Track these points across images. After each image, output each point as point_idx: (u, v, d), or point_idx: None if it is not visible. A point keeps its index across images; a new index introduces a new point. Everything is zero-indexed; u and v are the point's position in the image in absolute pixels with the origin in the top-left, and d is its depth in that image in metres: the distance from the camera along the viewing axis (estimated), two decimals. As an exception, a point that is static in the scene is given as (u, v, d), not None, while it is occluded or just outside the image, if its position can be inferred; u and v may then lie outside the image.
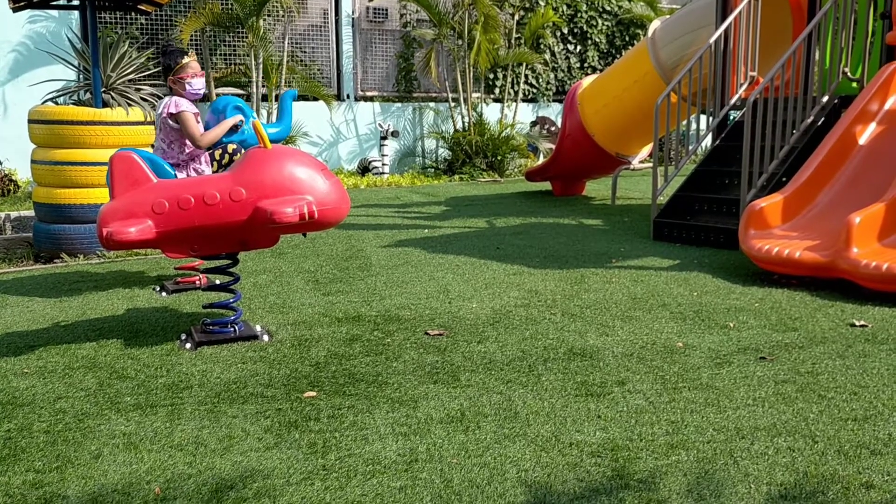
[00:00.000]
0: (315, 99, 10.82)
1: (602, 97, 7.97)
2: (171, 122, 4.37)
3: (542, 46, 12.65)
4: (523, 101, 12.52)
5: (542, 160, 11.51)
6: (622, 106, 7.78)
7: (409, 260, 5.51)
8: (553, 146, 11.26)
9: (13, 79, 9.05)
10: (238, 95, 9.84)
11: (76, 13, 8.88)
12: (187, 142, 4.41)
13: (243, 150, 4.56)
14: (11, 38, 8.98)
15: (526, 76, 12.46)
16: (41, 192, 5.71)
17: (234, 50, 10.40)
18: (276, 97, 9.80)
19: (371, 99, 11.63)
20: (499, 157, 10.96)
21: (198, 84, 4.42)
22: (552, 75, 12.98)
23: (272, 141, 5.58)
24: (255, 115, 4.98)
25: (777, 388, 3.04)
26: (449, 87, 11.34)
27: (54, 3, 6.24)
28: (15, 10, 6.04)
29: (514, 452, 2.51)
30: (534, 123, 12.34)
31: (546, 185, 9.26)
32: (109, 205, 3.30)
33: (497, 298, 4.45)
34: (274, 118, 9.54)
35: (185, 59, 4.39)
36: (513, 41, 11.69)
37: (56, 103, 6.12)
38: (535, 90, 12.91)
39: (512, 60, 11.38)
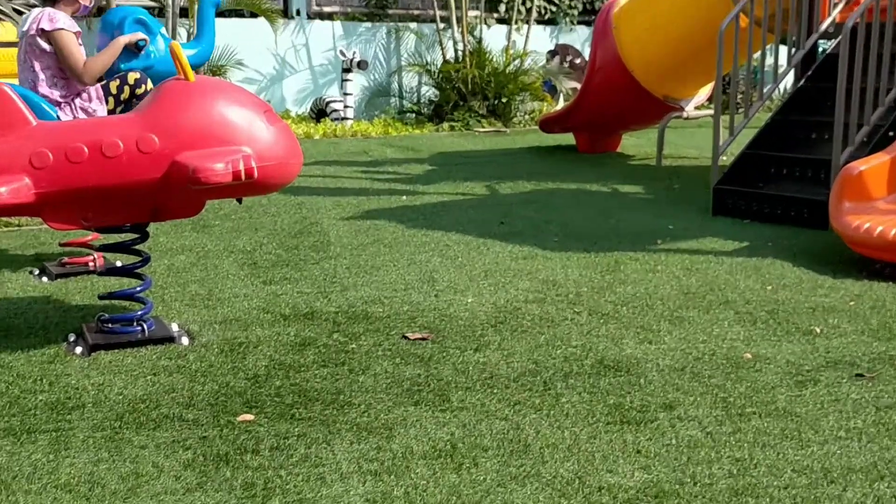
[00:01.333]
0: (253, 15, 10.75)
1: (646, 18, 7.96)
2: (42, 42, 4.33)
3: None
4: (538, 22, 12.48)
5: (561, 104, 11.50)
6: (673, 30, 7.78)
7: (382, 237, 5.51)
8: (577, 85, 11.24)
9: None
10: (147, 9, 9.75)
11: None
12: (56, 75, 4.38)
13: (149, 83, 4.52)
14: None
15: (542, -12, 12.42)
16: None
17: (143, -55, 10.29)
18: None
19: (330, 17, 11.57)
20: (504, 100, 10.95)
21: None
22: (578, -12, 12.94)
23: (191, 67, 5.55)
24: (165, 31, 4.95)
25: (878, 417, 3.07)
26: (437, 2, 11.29)
27: None
28: None
29: (523, 498, 2.52)
30: (552, 54, 12.32)
31: (568, 139, 9.27)
32: (-30, 156, 3.27)
33: (501, 291, 4.46)
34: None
35: None
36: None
37: None
38: (553, 7, 12.87)
39: (524, -33, 11.35)
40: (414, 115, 11.44)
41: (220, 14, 10.14)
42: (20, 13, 6.13)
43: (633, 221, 5.99)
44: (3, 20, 5.82)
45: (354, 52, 10.83)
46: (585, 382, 3.32)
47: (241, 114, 3.36)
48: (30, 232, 5.54)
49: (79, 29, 4.41)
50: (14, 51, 5.70)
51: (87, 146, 3.24)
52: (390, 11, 11.91)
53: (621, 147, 9.20)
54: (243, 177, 3.20)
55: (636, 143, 9.51)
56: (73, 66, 4.30)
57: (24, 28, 4.37)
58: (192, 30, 9.64)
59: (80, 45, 4.43)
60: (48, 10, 4.33)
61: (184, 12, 10.01)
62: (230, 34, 10.35)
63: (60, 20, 4.30)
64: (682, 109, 8.33)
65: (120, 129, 3.30)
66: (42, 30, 4.30)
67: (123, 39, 4.50)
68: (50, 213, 3.31)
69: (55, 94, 4.37)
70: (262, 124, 3.38)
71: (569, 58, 12.18)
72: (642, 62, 7.99)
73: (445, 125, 10.66)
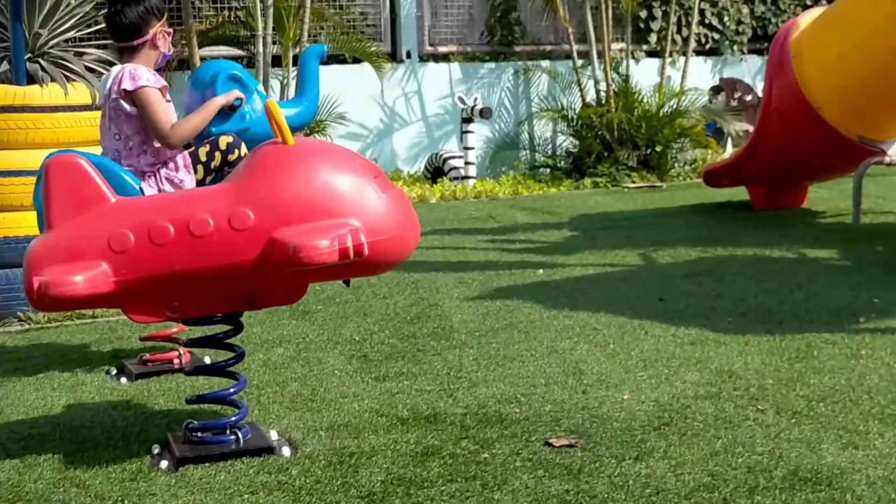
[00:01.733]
0: (356, 61, 11.06)
1: (834, 44, 7.86)
2: (126, 105, 4.49)
3: (725, -36, 12.61)
4: (697, 53, 12.46)
5: (730, 151, 11.39)
6: (870, 58, 7.65)
7: (515, 321, 5.52)
8: (749, 127, 11.13)
9: None
10: (234, 59, 10.15)
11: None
12: (147, 141, 4.57)
13: (244, 147, 4.67)
14: None
15: (701, 13, 12.42)
16: (-67, 220, 5.99)
17: (229, -14, 10.77)
18: (296, 59, 10.06)
19: (446, 58, 11.81)
20: (658, 148, 10.92)
21: (167, 46, 4.68)
22: (746, 10, 12.89)
23: (290, 128, 5.68)
24: (262, 88, 5.11)
25: None
26: (573, 34, 11.41)
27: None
28: None
29: None
30: (716, 90, 12.26)
31: (740, 193, 9.16)
32: (43, 239, 3.44)
33: (664, 385, 4.40)
34: (291, 93, 9.79)
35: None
36: (678, -45, 11.70)
37: (-46, 80, 6.46)
38: (717, 35, 12.84)
39: (677, -12, 11.38)
40: (549, 170, 11.50)
41: (318, 61, 10.49)
42: (92, 71, 6.46)
43: (827, 295, 5.85)
44: (74, 80, 6.13)
45: (476, 99, 11.00)
46: (776, 499, 3.24)
47: (348, 180, 3.44)
48: (106, 324, 5.77)
49: (165, 83, 4.60)
50: (87, 115, 6.02)
51: (172, 225, 3.36)
52: (517, 48, 12.09)
53: (808, 202, 9.03)
54: (352, 255, 3.27)
55: (826, 197, 9.33)
56: (158, 127, 4.47)
57: (106, 90, 4.57)
58: (285, 81, 9.98)
59: (168, 100, 4.62)
60: (129, 67, 4.52)
61: (276, 61, 10.38)
62: (331, 83, 10.64)
63: (143, 76, 4.48)
64: (883, 153, 8.14)
65: (209, 203, 3.41)
66: (125, 90, 4.48)
67: (219, 100, 4.63)
68: (131, 303, 3.43)
69: (142, 163, 4.55)
70: (373, 192, 3.46)
71: (737, 94, 12.09)
72: (830, 96, 7.87)
73: (587, 181, 10.68)
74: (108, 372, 4.90)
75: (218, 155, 4.63)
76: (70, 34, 6.54)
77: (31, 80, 6.01)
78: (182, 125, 4.52)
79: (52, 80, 6.02)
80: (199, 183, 4.59)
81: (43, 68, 6.11)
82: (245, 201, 3.37)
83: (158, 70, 4.72)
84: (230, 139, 4.63)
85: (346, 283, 3.87)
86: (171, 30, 4.66)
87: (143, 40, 4.59)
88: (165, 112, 4.50)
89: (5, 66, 6.24)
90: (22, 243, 5.75)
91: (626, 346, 5.00)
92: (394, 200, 3.50)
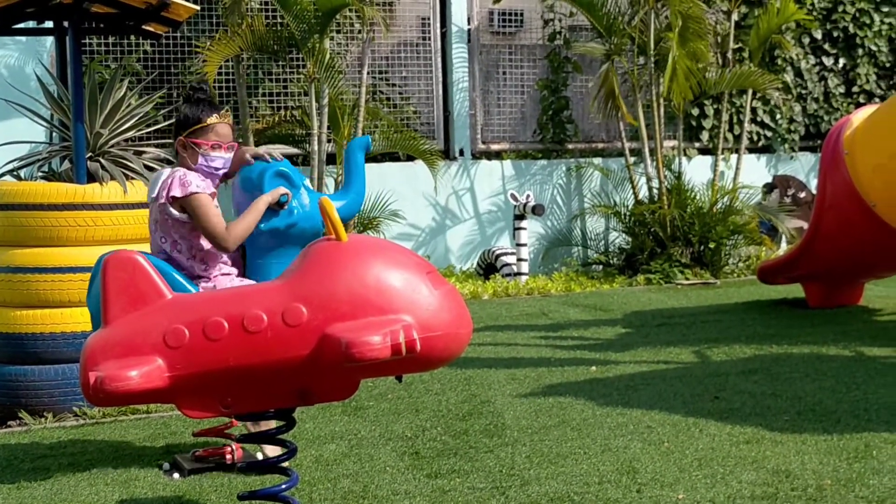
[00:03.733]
0: (409, 158, 11.20)
1: (888, 142, 7.84)
2: (174, 211, 4.50)
3: (779, 62, 12.68)
4: (750, 150, 12.48)
5: (784, 248, 11.32)
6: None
7: (568, 418, 5.50)
8: (804, 224, 11.09)
9: (-45, 143, 9.84)
10: (289, 157, 10.31)
11: (49, 40, 9.67)
12: (202, 240, 4.54)
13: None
14: (-47, 81, 9.84)
15: (753, 111, 12.46)
16: (-7, 315, 6.10)
17: (286, 87, 11.00)
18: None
19: (499, 155, 11.92)
20: (711, 245, 10.89)
21: (218, 160, 4.61)
22: (798, 108, 12.92)
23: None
24: (309, 184, 5.16)
25: None
26: (625, 132, 11.49)
27: (18, 26, 6.84)
28: None
29: None
30: (769, 187, 12.25)
31: (795, 290, 9.09)
32: (99, 334, 3.49)
33: (720, 485, 4.35)
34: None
35: (213, 118, 4.58)
36: (729, 56, 11.78)
37: (18, 177, 6.62)
38: (769, 133, 12.86)
39: (729, 87, 11.46)
40: (601, 266, 11.50)
41: (372, 158, 10.64)
42: (150, 169, 6.59)
43: (885, 394, 5.77)
44: (133, 178, 6.26)
45: (528, 196, 11.06)
46: None
47: (401, 277, 3.47)
48: (160, 420, 5.81)
49: (213, 189, 4.61)
50: (145, 212, 6.10)
51: (227, 320, 3.40)
52: (569, 145, 12.18)
53: (864, 299, 8.94)
54: (404, 351, 3.28)
55: (883, 294, 9.23)
56: (214, 233, 4.45)
57: (154, 195, 4.55)
58: (339, 178, 10.11)
59: (217, 206, 4.62)
60: (179, 172, 4.51)
61: (330, 159, 10.53)
62: (383, 181, 10.79)
63: (193, 183, 4.47)
64: (940, 250, 8.07)
65: (264, 299, 3.45)
66: (173, 198, 4.47)
67: (266, 199, 4.58)
68: (185, 398, 3.47)
69: (196, 268, 4.55)
70: (425, 288, 3.48)
71: (790, 191, 12.07)
72: (885, 194, 7.83)
73: (640, 278, 10.66)
74: (161, 467, 4.92)
75: None
76: (130, 133, 6.69)
77: (92, 178, 6.13)
78: (236, 227, 4.49)
79: (112, 178, 6.14)
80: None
81: (103, 167, 6.24)
82: (298, 297, 3.40)
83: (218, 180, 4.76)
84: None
85: (399, 378, 3.88)
86: (201, 140, 4.57)
87: (179, 143, 4.61)
88: (218, 216, 4.49)
89: (67, 164, 6.38)
90: (79, 338, 5.82)
91: (680, 444, 4.95)
92: (446, 297, 3.52)
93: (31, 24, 7.12)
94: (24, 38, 9.84)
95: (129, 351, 3.38)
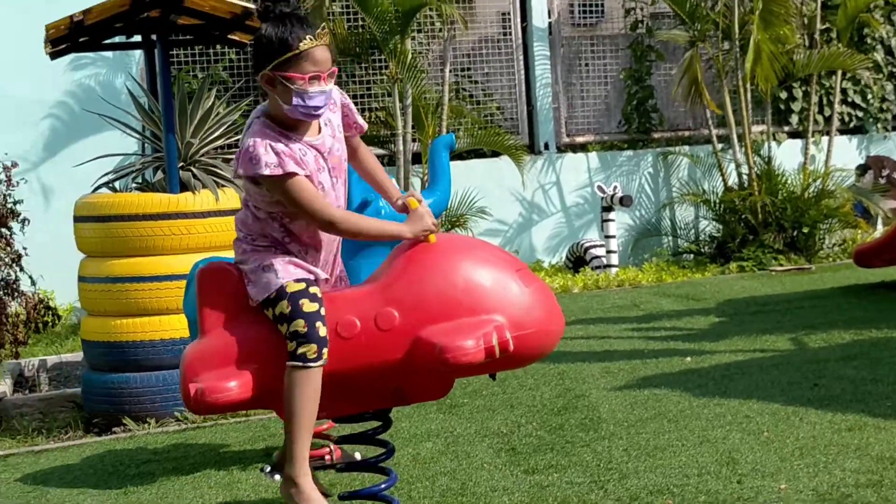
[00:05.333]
0: (494, 154, 11.20)
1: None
2: (247, 183, 3.61)
3: (868, 41, 12.41)
4: (841, 132, 12.24)
5: (880, 230, 11.10)
6: None
7: (664, 410, 5.46)
8: (900, 204, 10.89)
9: (50, 157, 10.12)
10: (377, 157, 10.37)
11: (137, 53, 9.86)
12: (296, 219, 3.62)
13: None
14: (46, 96, 10.10)
15: (843, 91, 12.22)
16: (93, 325, 6.24)
17: (369, 89, 11.07)
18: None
19: (584, 148, 11.87)
20: (804, 230, 10.72)
21: (318, 97, 3.55)
22: (889, 86, 12.63)
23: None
24: (397, 184, 5.16)
25: None
26: (712, 118, 11.36)
27: (108, 41, 6.99)
28: (53, 55, 6.81)
29: None
30: (862, 169, 12.01)
31: (892, 272, 8.91)
32: (197, 345, 3.55)
33: (822, 473, 4.29)
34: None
35: (307, 41, 3.51)
36: (817, 37, 11.58)
37: (113, 189, 6.76)
38: (860, 114, 12.61)
39: (817, 68, 11.26)
40: (692, 255, 11.38)
41: (457, 156, 10.66)
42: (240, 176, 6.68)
43: None
44: (224, 185, 6.36)
45: (615, 187, 10.99)
46: None
47: (491, 276, 3.48)
48: (259, 422, 5.89)
49: (293, 165, 3.55)
50: (219, 221, 6.21)
51: None
52: (655, 135, 12.07)
53: (967, 279, 8.74)
54: (497, 353, 3.29)
55: None
56: (315, 214, 3.55)
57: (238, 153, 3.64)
58: (424, 177, 10.15)
59: (319, 169, 3.66)
60: (248, 141, 3.56)
61: (416, 158, 10.58)
62: (469, 178, 10.79)
63: (261, 159, 3.49)
64: None
65: (356, 304, 3.48)
66: (248, 176, 3.55)
67: (406, 231, 3.67)
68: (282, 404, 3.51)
69: (271, 240, 3.67)
70: (516, 286, 3.48)
71: (885, 172, 11.82)
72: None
73: (733, 265, 10.53)
74: (262, 469, 4.95)
75: (284, 327, 3.51)
76: (219, 142, 6.79)
77: (184, 187, 6.24)
78: (357, 220, 3.70)
79: (204, 186, 6.25)
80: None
81: (195, 175, 6.35)
82: (390, 301, 3.42)
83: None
84: (304, 330, 3.46)
85: (493, 376, 3.89)
86: (294, 74, 3.51)
87: (264, 79, 3.59)
88: (316, 195, 3.54)
89: (160, 174, 6.51)
90: (178, 345, 5.93)
91: (780, 433, 4.89)
92: (537, 294, 3.52)
93: (120, 38, 7.29)
94: (111, 54, 10.04)
95: (227, 361, 3.43)
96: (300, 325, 3.41)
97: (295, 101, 3.50)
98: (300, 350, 3.41)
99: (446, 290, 3.42)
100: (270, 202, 3.56)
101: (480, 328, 3.32)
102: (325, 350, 3.43)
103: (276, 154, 3.47)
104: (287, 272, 3.54)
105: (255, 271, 3.56)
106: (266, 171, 3.44)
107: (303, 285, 3.51)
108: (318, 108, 3.55)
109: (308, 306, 3.45)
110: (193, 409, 3.43)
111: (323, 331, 3.43)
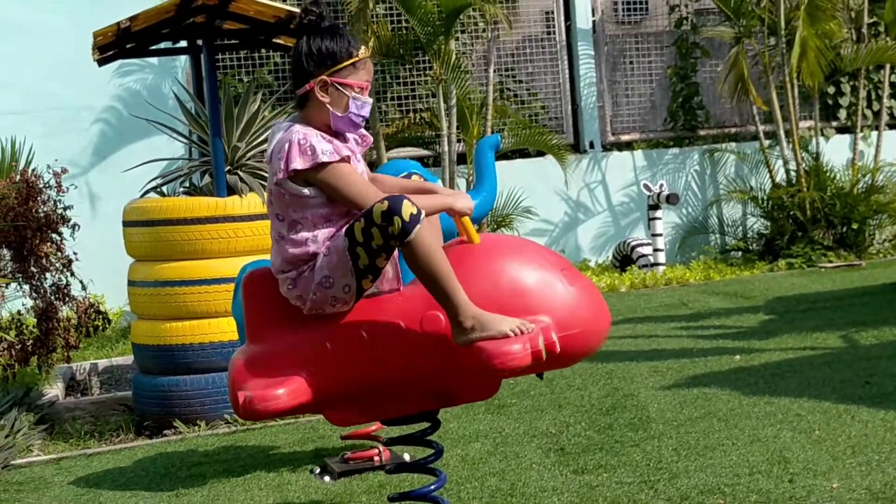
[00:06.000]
0: (539, 153, 11.19)
1: None
2: (295, 186, 3.46)
3: (917, 34, 12.28)
4: (890, 127, 12.11)
5: (933, 225, 10.98)
6: None
7: (714, 409, 5.43)
8: (952, 199, 10.75)
9: (98, 162, 10.24)
10: (420, 159, 10.41)
11: (183, 58, 9.95)
12: (324, 218, 3.51)
13: (406, 207, 4.24)
14: (94, 102, 10.22)
15: (892, 86, 12.09)
16: (143, 329, 6.30)
17: (413, 90, 11.09)
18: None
19: (629, 146, 11.82)
20: (854, 226, 10.62)
21: (367, 107, 3.60)
22: (939, 79, 12.50)
23: (472, 221, 5.69)
24: (442, 185, 5.16)
25: None
26: (758, 114, 11.28)
27: (154, 47, 7.06)
28: (101, 62, 6.90)
29: None
30: (913, 163, 11.90)
31: (945, 268, 8.82)
32: (244, 352, 3.56)
33: (876, 472, 4.26)
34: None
35: (363, 51, 3.58)
36: (864, 31, 11.46)
37: (162, 193, 6.83)
38: (908, 107, 12.49)
39: (865, 63, 11.16)
40: (740, 253, 11.31)
41: (502, 156, 10.66)
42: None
43: None
44: (253, 190, 6.39)
45: (661, 185, 10.94)
46: None
47: (536, 276, 3.46)
48: (308, 424, 5.92)
49: (348, 152, 3.55)
50: (266, 224, 6.25)
51: (366, 332, 3.44)
52: (702, 132, 12.00)
53: None
54: (544, 356, 3.27)
55: None
56: (358, 198, 3.45)
57: (268, 157, 3.58)
58: (470, 178, 10.16)
59: (360, 162, 3.66)
60: (296, 133, 3.48)
61: (461, 159, 10.59)
62: (514, 177, 10.78)
63: (318, 148, 3.45)
64: None
65: (401, 307, 3.48)
66: (295, 170, 3.44)
67: (449, 202, 3.69)
68: (331, 407, 3.53)
69: (304, 250, 3.52)
70: (561, 286, 3.46)
71: (935, 166, 11.69)
72: None
73: (781, 262, 10.45)
74: (311, 471, 5.02)
75: (376, 231, 3.35)
76: (265, 145, 6.83)
77: (231, 190, 6.29)
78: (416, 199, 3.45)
79: (251, 189, 6.29)
80: (367, 268, 3.41)
81: (242, 179, 6.40)
82: (435, 304, 3.42)
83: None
84: (384, 206, 3.33)
85: (540, 376, 3.88)
86: (353, 81, 3.55)
87: (301, 92, 3.57)
88: (366, 184, 3.51)
89: (207, 178, 6.56)
90: (227, 348, 5.98)
91: (832, 431, 4.85)
92: (583, 292, 3.50)
93: (166, 44, 7.36)
94: (156, 60, 10.16)
95: (274, 369, 3.44)
96: (377, 214, 3.31)
97: (352, 107, 3.53)
98: (393, 229, 3.30)
99: (491, 292, 3.40)
100: (319, 205, 3.47)
101: (527, 331, 3.30)
102: (412, 210, 3.30)
103: (330, 142, 3.47)
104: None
105: (320, 278, 3.44)
106: (325, 158, 3.41)
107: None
108: (365, 117, 3.59)
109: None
110: (243, 416, 3.45)
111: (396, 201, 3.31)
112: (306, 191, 3.45)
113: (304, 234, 3.47)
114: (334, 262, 3.41)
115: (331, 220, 3.49)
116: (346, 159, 3.47)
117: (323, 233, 3.48)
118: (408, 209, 3.30)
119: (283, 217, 3.50)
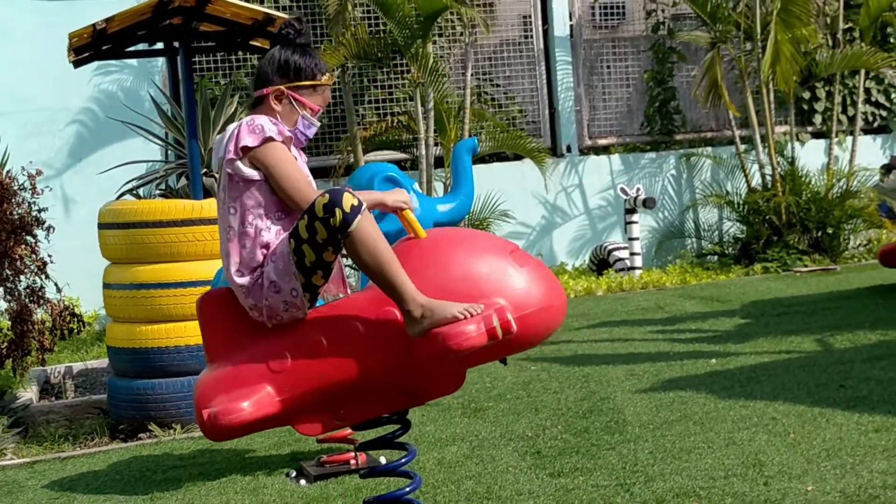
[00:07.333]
0: (517, 157, 11.20)
1: None
2: (243, 167, 3.46)
3: (891, 40, 12.35)
4: (865, 132, 12.19)
5: (906, 229, 11.04)
6: None
7: (689, 412, 5.45)
8: (926, 204, 10.79)
9: (74, 163, 10.18)
10: (397, 162, 10.40)
11: (160, 61, 9.92)
12: (275, 207, 3.51)
13: (347, 199, 4.09)
14: (70, 104, 10.16)
15: (867, 91, 12.17)
16: (118, 332, 6.27)
17: (391, 93, 11.09)
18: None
19: (606, 150, 11.85)
20: (829, 230, 10.67)
21: (312, 129, 3.68)
22: (913, 85, 12.58)
23: (446, 223, 5.65)
24: (419, 188, 5.15)
25: None
26: (734, 119, 11.33)
27: (131, 48, 7.03)
28: (77, 63, 6.87)
29: None
30: (887, 168, 11.91)
31: (919, 273, 8.87)
32: (207, 373, 3.54)
33: (850, 475, 4.28)
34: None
35: (326, 77, 3.66)
36: (840, 36, 11.53)
37: (137, 196, 6.81)
38: (884, 113, 12.55)
39: (840, 68, 11.22)
40: (716, 257, 11.35)
41: (480, 159, 10.67)
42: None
43: None
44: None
45: (638, 189, 10.97)
46: None
47: (485, 262, 3.45)
48: (283, 428, 5.90)
49: (289, 134, 3.55)
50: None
51: (324, 338, 3.43)
52: (678, 136, 12.05)
53: None
54: (500, 334, 3.27)
55: None
56: (294, 189, 3.46)
57: (220, 154, 3.52)
58: (447, 181, 10.16)
59: (299, 158, 3.64)
60: (245, 119, 3.52)
61: (438, 162, 10.59)
62: (491, 181, 10.79)
63: (265, 127, 3.46)
64: None
65: (356, 309, 3.47)
66: (245, 147, 3.43)
67: (388, 199, 3.75)
68: (299, 418, 3.49)
69: (253, 254, 3.51)
70: (511, 268, 3.46)
71: (910, 170, 11.76)
72: None
73: (757, 266, 10.50)
74: (287, 474, 5.01)
75: (319, 225, 3.33)
76: (242, 147, 6.82)
77: (207, 193, 6.28)
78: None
79: (227, 192, 6.27)
80: (314, 264, 3.40)
81: (218, 182, 6.37)
82: (389, 301, 3.42)
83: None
84: (325, 199, 3.31)
85: (504, 362, 3.86)
86: (309, 102, 3.61)
87: (257, 94, 3.60)
88: (302, 177, 3.50)
89: (183, 181, 6.55)
90: (202, 351, 5.94)
91: (807, 435, 4.87)
92: (534, 272, 3.49)
93: (143, 46, 7.33)
94: (135, 61, 10.11)
95: (237, 383, 3.42)
96: (318, 208, 3.32)
97: (300, 124, 3.60)
98: (335, 221, 3.30)
99: (442, 281, 3.39)
100: (269, 192, 3.47)
101: (480, 313, 3.30)
102: (353, 202, 3.32)
103: (276, 125, 3.49)
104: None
105: (268, 283, 3.44)
106: (272, 135, 3.42)
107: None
108: (309, 138, 3.66)
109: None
110: (210, 434, 3.41)
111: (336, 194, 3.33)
112: (256, 174, 3.44)
113: (257, 224, 3.47)
114: (280, 268, 3.42)
115: (281, 216, 3.49)
116: (287, 140, 3.50)
117: (275, 227, 3.48)
118: (349, 201, 3.32)
119: (236, 209, 3.49)
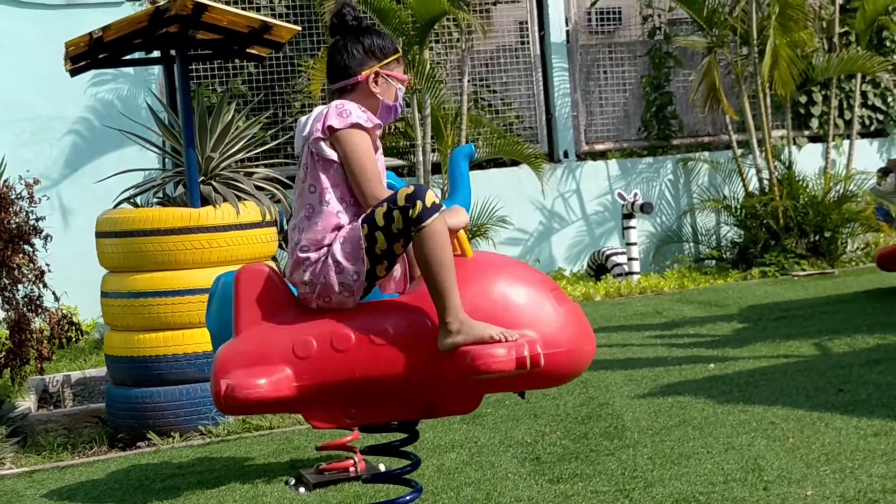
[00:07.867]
0: (514, 163, 11.21)
1: None
2: (325, 147, 3.55)
3: (887, 43, 12.37)
4: (862, 135, 12.22)
5: (903, 233, 11.07)
6: None
7: (688, 418, 5.45)
8: (923, 207, 10.83)
9: (71, 173, 10.18)
10: (395, 169, 10.41)
11: (157, 69, 9.93)
12: (346, 198, 3.58)
13: (430, 196, 4.17)
14: (67, 112, 10.17)
15: (863, 95, 12.20)
16: (116, 340, 6.27)
17: (388, 100, 11.06)
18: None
19: (603, 155, 11.86)
20: (827, 234, 10.69)
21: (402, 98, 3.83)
22: (910, 88, 12.62)
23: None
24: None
25: None
26: (731, 124, 11.35)
27: (127, 57, 7.03)
28: (73, 72, 6.87)
29: None
30: (884, 172, 11.97)
31: (916, 276, 8.88)
32: (231, 344, 3.56)
33: (849, 479, 4.28)
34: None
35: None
36: (836, 40, 11.55)
37: (135, 204, 6.80)
38: (880, 116, 12.57)
39: (837, 72, 11.24)
40: (714, 261, 11.36)
41: (477, 165, 10.68)
42: (260, 189, 6.72)
43: None
44: (244, 199, 6.38)
45: (636, 194, 10.98)
46: None
47: (526, 293, 3.48)
48: (283, 435, 5.91)
49: (378, 122, 3.65)
50: (257, 232, 6.25)
51: (353, 333, 3.45)
52: (675, 141, 12.06)
53: None
54: (528, 364, 3.28)
55: None
56: (365, 179, 3.53)
57: (305, 132, 3.62)
58: (444, 187, 10.16)
59: (378, 148, 3.69)
60: (335, 102, 3.62)
61: (436, 169, 10.60)
62: (489, 187, 10.81)
63: (353, 113, 3.55)
64: None
65: (391, 312, 3.49)
66: (331, 128, 3.54)
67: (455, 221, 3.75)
68: (311, 408, 3.52)
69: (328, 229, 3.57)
70: (549, 305, 3.49)
71: (907, 174, 11.79)
72: None
73: (755, 271, 10.51)
74: (286, 482, 5.01)
75: (397, 214, 3.39)
76: (239, 155, 6.83)
77: (205, 201, 6.27)
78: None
79: (225, 200, 6.28)
80: (384, 253, 3.45)
81: (215, 189, 6.38)
82: (425, 311, 3.44)
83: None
84: (410, 190, 3.40)
85: (521, 395, 3.89)
86: (399, 75, 3.75)
87: (352, 81, 3.70)
88: (376, 167, 3.56)
89: (180, 189, 6.55)
90: (201, 359, 5.96)
91: (806, 439, 4.88)
92: (570, 314, 3.52)
93: (139, 54, 7.33)
94: (132, 70, 10.11)
95: (258, 360, 3.44)
96: (401, 197, 3.38)
97: (399, 97, 3.74)
98: (413, 212, 3.36)
99: (481, 303, 3.42)
100: (344, 177, 3.55)
101: (511, 339, 3.32)
102: (434, 199, 3.39)
103: (366, 113, 3.59)
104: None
105: (332, 262, 3.49)
106: (360, 121, 3.53)
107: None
108: (399, 110, 3.80)
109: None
110: (223, 406, 3.43)
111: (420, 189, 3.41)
112: (335, 156, 3.53)
113: (334, 206, 3.53)
114: (348, 250, 3.47)
115: (355, 201, 3.55)
116: (376, 127, 3.60)
117: (350, 211, 3.54)
118: (430, 197, 3.39)
119: (315, 187, 3.56)
